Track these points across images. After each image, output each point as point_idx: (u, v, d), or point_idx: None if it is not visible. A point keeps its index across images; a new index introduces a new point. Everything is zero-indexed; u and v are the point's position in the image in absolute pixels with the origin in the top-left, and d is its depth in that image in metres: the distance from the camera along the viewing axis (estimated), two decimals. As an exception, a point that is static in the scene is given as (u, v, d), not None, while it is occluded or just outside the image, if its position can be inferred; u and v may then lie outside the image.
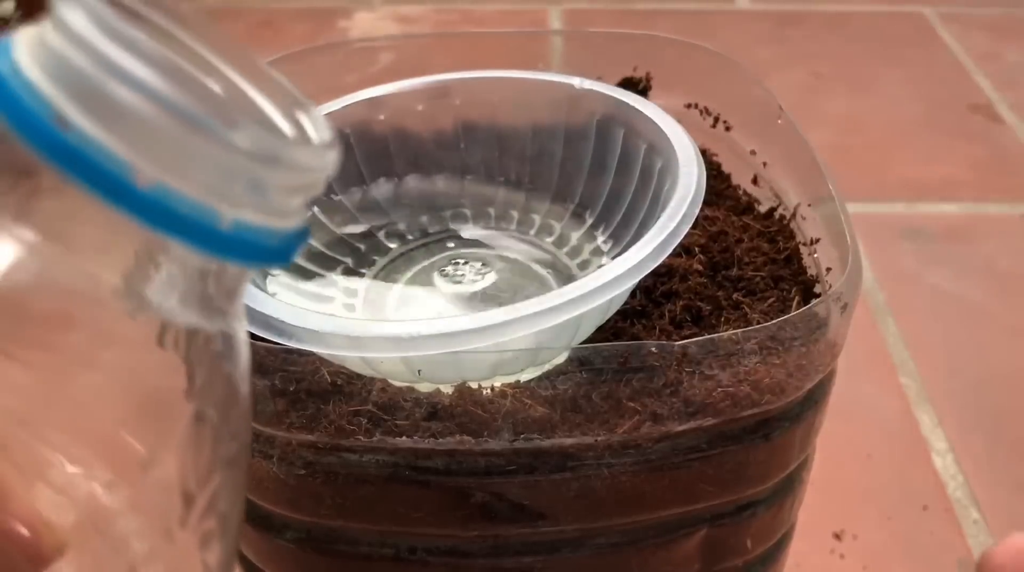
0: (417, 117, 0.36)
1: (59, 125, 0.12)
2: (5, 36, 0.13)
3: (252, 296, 0.27)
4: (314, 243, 0.34)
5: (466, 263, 0.34)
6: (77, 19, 0.12)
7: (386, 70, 0.39)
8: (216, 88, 0.13)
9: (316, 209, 0.35)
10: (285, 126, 0.14)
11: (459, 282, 0.33)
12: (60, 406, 0.13)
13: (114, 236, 0.13)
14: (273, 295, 0.29)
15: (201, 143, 0.12)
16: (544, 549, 0.27)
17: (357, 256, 0.34)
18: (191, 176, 0.12)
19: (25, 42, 0.13)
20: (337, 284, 0.33)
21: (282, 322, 0.24)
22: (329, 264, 0.34)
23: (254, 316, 0.26)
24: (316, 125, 0.14)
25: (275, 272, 0.32)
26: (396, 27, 0.74)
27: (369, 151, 0.36)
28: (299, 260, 0.34)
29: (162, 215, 0.12)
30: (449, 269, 0.33)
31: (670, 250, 0.25)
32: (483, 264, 0.34)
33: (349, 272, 0.33)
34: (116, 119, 0.12)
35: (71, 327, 0.13)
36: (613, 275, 0.24)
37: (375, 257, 0.34)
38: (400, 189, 0.37)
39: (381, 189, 0.37)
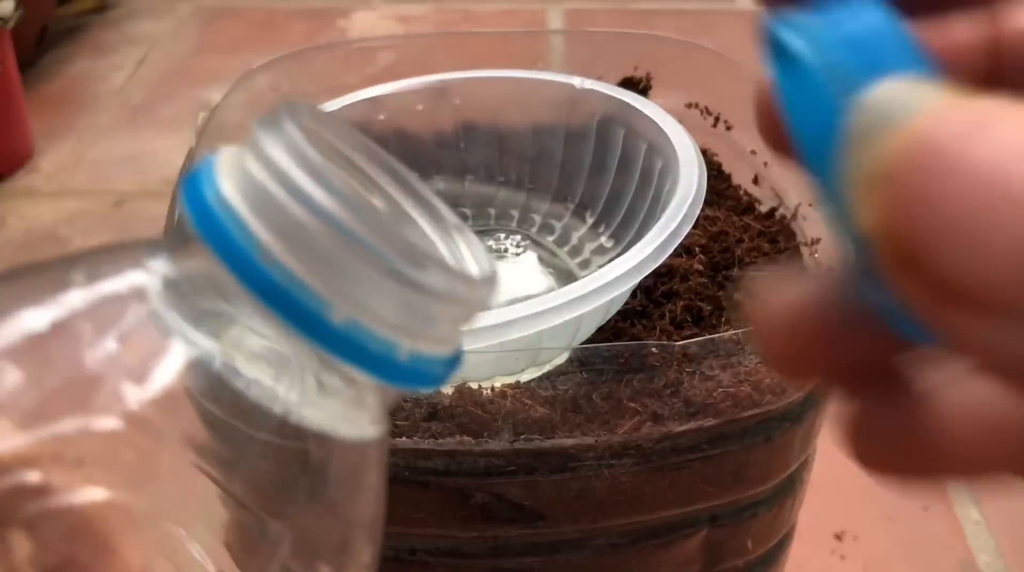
0: (417, 117, 0.36)
1: (264, 261, 0.12)
2: (208, 156, 0.14)
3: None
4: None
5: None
6: (279, 154, 0.13)
7: (386, 70, 0.39)
8: (396, 220, 0.14)
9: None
10: (450, 256, 0.15)
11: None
12: (213, 507, 0.14)
13: (286, 353, 0.13)
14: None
15: (393, 284, 0.13)
16: (544, 550, 0.27)
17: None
18: (379, 313, 0.13)
19: (227, 167, 0.13)
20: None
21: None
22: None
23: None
24: (474, 251, 0.15)
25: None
26: (396, 27, 0.74)
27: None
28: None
29: (350, 349, 0.13)
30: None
31: (671, 251, 0.25)
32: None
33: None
34: (317, 258, 0.12)
35: (233, 431, 0.14)
36: (614, 276, 0.24)
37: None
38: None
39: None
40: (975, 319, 0.08)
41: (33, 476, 0.12)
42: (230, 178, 0.13)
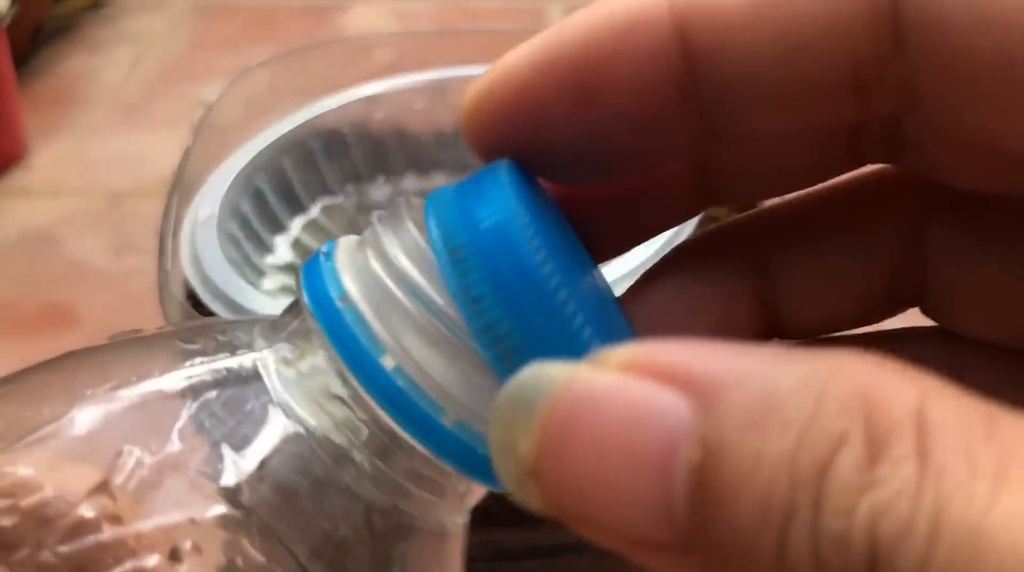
0: (416, 116, 0.36)
1: (387, 366, 0.13)
2: (327, 245, 0.14)
3: (247, 295, 0.27)
4: (314, 245, 0.34)
5: None
6: (404, 259, 0.13)
7: (384, 68, 0.39)
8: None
9: (318, 213, 0.35)
10: None
11: None
12: None
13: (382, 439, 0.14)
14: (268, 293, 0.29)
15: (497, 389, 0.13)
16: (544, 553, 0.27)
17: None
18: (484, 417, 0.13)
19: (347, 262, 0.13)
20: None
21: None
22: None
23: (250, 315, 0.26)
24: None
25: (271, 273, 0.32)
26: (394, 24, 0.74)
27: (367, 150, 0.36)
28: (299, 263, 0.34)
29: (459, 452, 0.13)
30: None
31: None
32: None
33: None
34: (434, 364, 0.13)
35: (323, 510, 0.14)
36: (614, 277, 0.24)
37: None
38: (399, 189, 0.36)
39: (380, 189, 0.36)
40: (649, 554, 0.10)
41: (151, 561, 0.12)
42: (352, 276, 0.13)
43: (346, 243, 0.14)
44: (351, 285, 0.13)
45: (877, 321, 0.16)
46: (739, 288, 0.15)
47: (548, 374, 0.10)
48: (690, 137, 0.13)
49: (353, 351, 0.13)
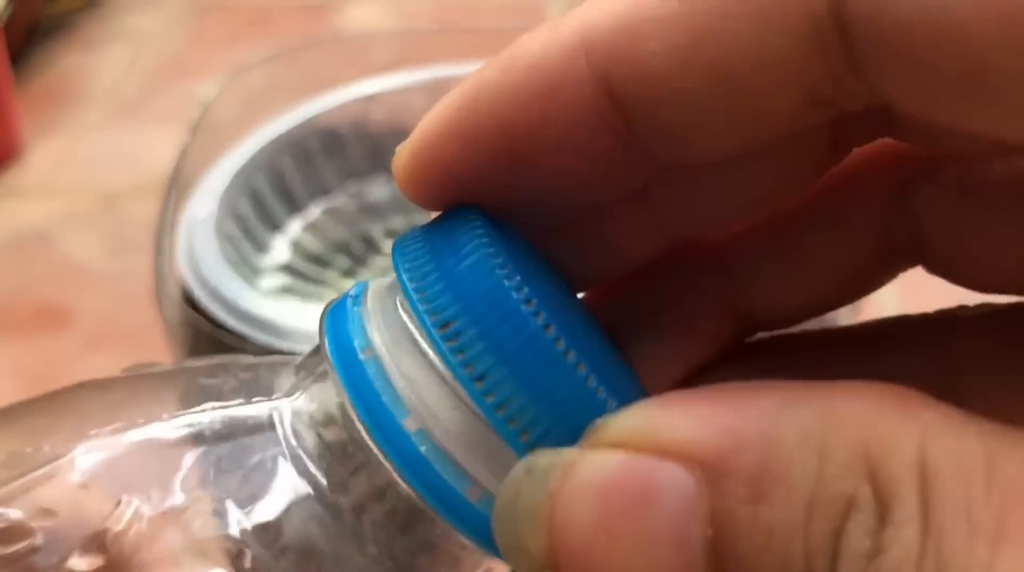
0: (415, 114, 0.36)
1: (411, 433, 0.12)
2: (357, 287, 0.13)
3: (244, 296, 0.26)
4: (312, 246, 0.34)
5: None
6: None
7: (383, 65, 0.38)
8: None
9: (319, 213, 0.35)
10: None
11: None
12: None
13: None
14: (266, 295, 0.28)
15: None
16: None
17: (354, 257, 0.34)
18: None
19: (375, 310, 0.12)
20: (334, 285, 0.32)
21: (275, 323, 0.24)
22: (326, 266, 0.33)
23: (247, 317, 0.26)
24: None
25: (270, 274, 0.31)
26: (393, 22, 0.73)
27: (367, 149, 0.36)
28: (297, 263, 0.33)
29: (482, 529, 0.12)
30: None
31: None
32: None
33: (347, 274, 0.33)
34: (465, 431, 0.12)
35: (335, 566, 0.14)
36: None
37: (374, 256, 0.33)
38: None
39: (379, 188, 0.36)
40: None
41: None
42: (378, 325, 0.12)
43: (376, 287, 0.13)
44: (376, 335, 0.12)
45: (868, 293, 0.16)
46: (703, 293, 0.15)
47: (541, 468, 0.10)
48: (644, 171, 0.12)
49: (373, 409, 0.12)
